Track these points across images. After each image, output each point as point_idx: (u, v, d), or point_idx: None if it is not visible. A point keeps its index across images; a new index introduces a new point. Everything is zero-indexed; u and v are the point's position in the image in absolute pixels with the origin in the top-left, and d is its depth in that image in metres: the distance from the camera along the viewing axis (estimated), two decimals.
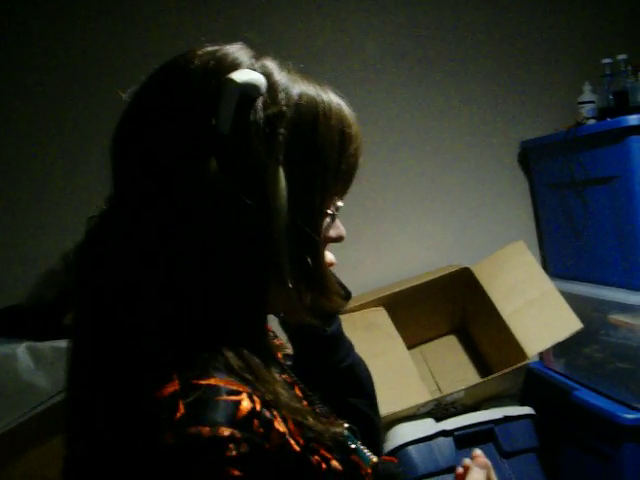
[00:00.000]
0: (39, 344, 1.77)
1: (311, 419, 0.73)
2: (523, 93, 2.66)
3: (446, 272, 2.36)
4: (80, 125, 2.35)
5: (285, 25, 2.44)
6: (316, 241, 0.75)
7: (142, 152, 0.72)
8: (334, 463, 0.76)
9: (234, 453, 0.60)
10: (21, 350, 1.76)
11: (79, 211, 2.09)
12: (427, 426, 2.01)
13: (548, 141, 2.47)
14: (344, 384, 0.96)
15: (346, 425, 0.87)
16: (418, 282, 2.34)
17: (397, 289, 2.33)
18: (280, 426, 0.67)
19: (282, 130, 0.71)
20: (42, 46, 2.31)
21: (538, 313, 2.18)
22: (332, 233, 0.82)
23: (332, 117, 0.75)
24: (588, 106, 2.35)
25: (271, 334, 0.97)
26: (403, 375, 2.09)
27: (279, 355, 0.97)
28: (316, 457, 0.73)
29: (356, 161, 0.79)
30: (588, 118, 2.32)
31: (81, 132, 2.35)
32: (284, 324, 0.99)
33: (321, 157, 0.74)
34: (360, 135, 0.79)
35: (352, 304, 2.20)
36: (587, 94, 2.37)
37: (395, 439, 1.97)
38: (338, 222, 0.82)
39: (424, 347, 2.50)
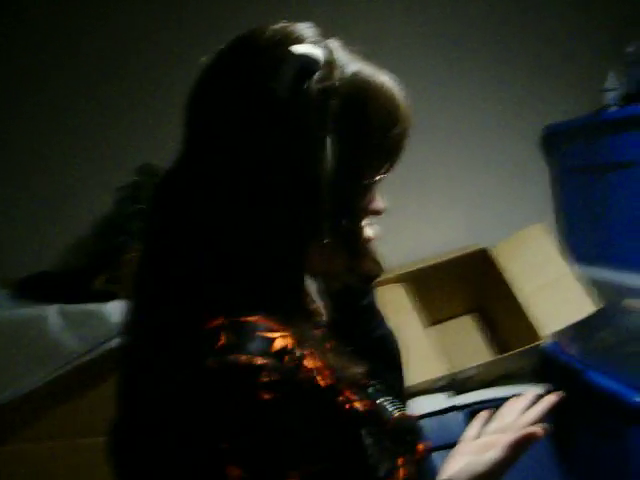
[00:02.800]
0: (69, 306, 1.83)
1: (331, 357, 0.80)
2: (547, 78, 2.67)
3: (464, 252, 2.41)
4: (110, 95, 2.41)
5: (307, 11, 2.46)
6: (354, 207, 0.82)
7: (212, 109, 0.80)
8: (357, 405, 0.82)
9: (266, 379, 0.69)
10: (52, 312, 1.82)
11: (107, 182, 2.17)
12: (440, 401, 2.06)
13: (571, 126, 2.48)
14: (374, 354, 0.99)
15: (373, 382, 0.94)
16: (437, 261, 2.39)
17: (416, 267, 2.37)
18: (309, 363, 0.75)
19: (333, 102, 0.77)
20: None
21: (554, 295, 2.21)
22: (372, 206, 0.87)
23: (383, 97, 0.81)
24: (612, 93, 2.35)
25: (309, 299, 1.03)
26: (419, 351, 2.13)
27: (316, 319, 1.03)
28: (341, 397, 0.80)
29: (401, 142, 0.85)
30: (611, 105, 2.33)
31: (110, 102, 2.41)
32: (321, 292, 1.05)
33: (367, 132, 0.80)
34: (409, 119, 0.84)
35: None
36: (611, 81, 2.37)
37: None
38: (379, 197, 0.88)
39: (441, 326, 2.53)
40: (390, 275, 2.33)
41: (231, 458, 0.68)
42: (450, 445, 1.94)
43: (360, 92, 0.80)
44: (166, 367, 0.75)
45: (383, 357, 1.05)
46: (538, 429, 0.84)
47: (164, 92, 2.19)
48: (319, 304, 1.08)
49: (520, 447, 0.85)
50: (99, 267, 2.03)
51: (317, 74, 0.77)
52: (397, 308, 2.25)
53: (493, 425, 0.96)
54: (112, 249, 2.06)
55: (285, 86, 0.75)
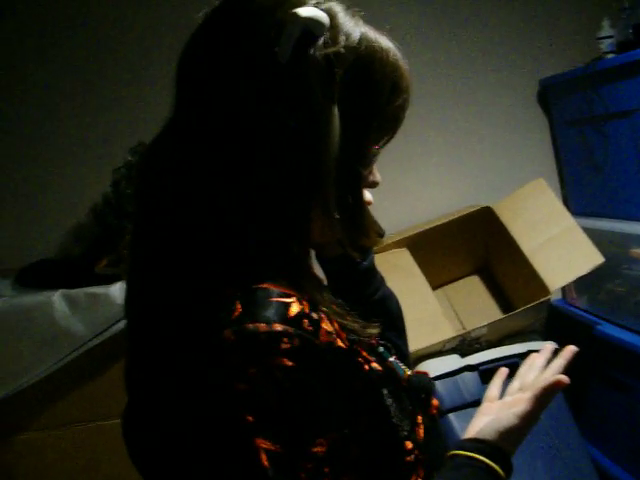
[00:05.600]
0: (73, 291, 1.81)
1: (349, 319, 0.80)
2: (541, 30, 2.63)
3: (467, 212, 2.39)
4: (101, 76, 2.37)
5: None
6: (358, 180, 0.80)
7: (207, 74, 0.76)
8: (375, 365, 0.82)
9: (288, 346, 0.67)
10: (56, 297, 1.80)
11: (102, 164, 2.14)
12: (452, 361, 2.05)
13: (567, 77, 2.45)
14: (376, 316, 0.98)
15: (381, 342, 0.93)
16: (440, 223, 2.37)
17: (419, 230, 2.36)
18: (327, 326, 0.74)
19: (339, 70, 0.74)
20: None
21: (560, 249, 2.19)
22: (370, 178, 0.85)
23: (387, 65, 0.79)
24: (607, 41, 2.32)
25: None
26: (428, 313, 2.13)
27: None
28: (359, 358, 0.80)
29: (402, 113, 0.83)
30: (607, 52, 2.30)
31: (102, 83, 2.37)
32: (320, 257, 1.03)
33: (371, 102, 0.78)
34: (410, 89, 0.82)
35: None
36: (606, 29, 2.34)
37: None
38: (375, 169, 0.86)
39: (448, 288, 2.53)
40: (395, 240, 2.32)
41: (258, 431, 0.65)
42: (466, 405, 1.97)
43: (366, 61, 0.77)
44: (180, 343, 0.72)
45: (385, 319, 1.05)
46: (562, 377, 0.84)
47: (157, 70, 2.16)
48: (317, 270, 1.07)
49: (545, 398, 0.84)
50: (100, 251, 2.01)
51: (321, 39, 0.73)
52: (404, 272, 2.24)
53: (515, 384, 0.95)
54: (112, 232, 2.04)
55: (288, 51, 0.72)
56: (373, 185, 0.86)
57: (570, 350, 0.94)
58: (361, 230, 0.83)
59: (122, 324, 1.75)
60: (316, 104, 0.73)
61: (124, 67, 2.37)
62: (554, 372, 0.91)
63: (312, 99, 0.73)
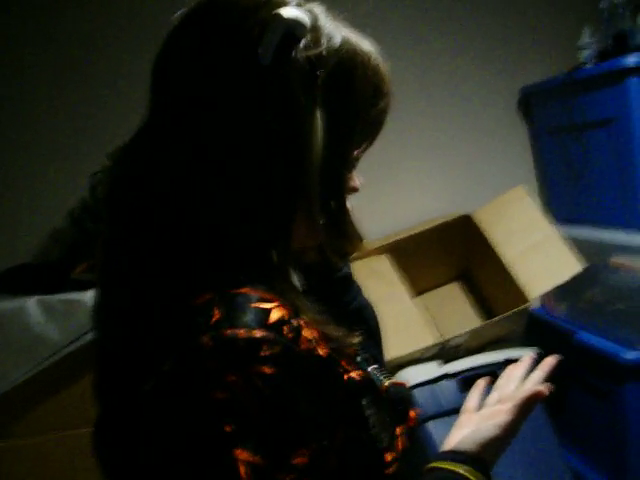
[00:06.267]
0: (48, 297, 1.78)
1: (331, 327, 0.78)
2: (522, 39, 2.64)
3: (447, 220, 2.39)
4: (81, 84, 2.34)
5: None
6: (342, 184, 0.79)
7: (184, 73, 0.75)
8: (353, 375, 0.80)
9: (268, 353, 0.65)
10: (31, 304, 1.77)
11: (80, 169, 2.12)
12: (432, 369, 2.05)
13: (547, 86, 2.47)
14: (352, 325, 0.97)
15: (360, 351, 0.91)
16: (420, 230, 2.37)
17: (399, 237, 2.35)
18: (308, 333, 0.72)
19: (321, 72, 0.73)
20: None
21: (539, 257, 2.20)
22: (351, 183, 0.84)
23: (369, 69, 0.78)
24: (587, 50, 2.33)
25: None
26: (407, 321, 2.12)
27: None
28: (339, 367, 0.78)
29: (384, 117, 0.82)
30: (587, 62, 2.31)
31: (81, 90, 2.35)
32: (297, 264, 1.02)
33: (353, 105, 0.77)
34: (391, 93, 0.81)
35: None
36: (586, 38, 2.35)
37: None
38: (354, 174, 0.85)
39: (428, 295, 2.53)
40: (374, 246, 2.31)
41: (237, 441, 0.63)
42: (444, 413, 1.96)
43: (348, 64, 0.76)
44: (156, 349, 0.69)
45: (362, 328, 1.03)
46: (543, 387, 0.84)
47: (138, 76, 2.14)
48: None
49: (526, 409, 0.84)
50: (77, 256, 1.99)
51: (303, 41, 0.72)
52: (383, 279, 2.23)
53: (494, 395, 0.95)
54: (89, 236, 2.02)
55: (270, 52, 0.70)
56: (353, 191, 0.85)
57: (550, 361, 0.94)
58: (344, 235, 0.82)
59: None
60: (299, 106, 0.72)
61: (104, 72, 2.35)
62: (534, 383, 0.91)
63: (295, 101, 0.72)
